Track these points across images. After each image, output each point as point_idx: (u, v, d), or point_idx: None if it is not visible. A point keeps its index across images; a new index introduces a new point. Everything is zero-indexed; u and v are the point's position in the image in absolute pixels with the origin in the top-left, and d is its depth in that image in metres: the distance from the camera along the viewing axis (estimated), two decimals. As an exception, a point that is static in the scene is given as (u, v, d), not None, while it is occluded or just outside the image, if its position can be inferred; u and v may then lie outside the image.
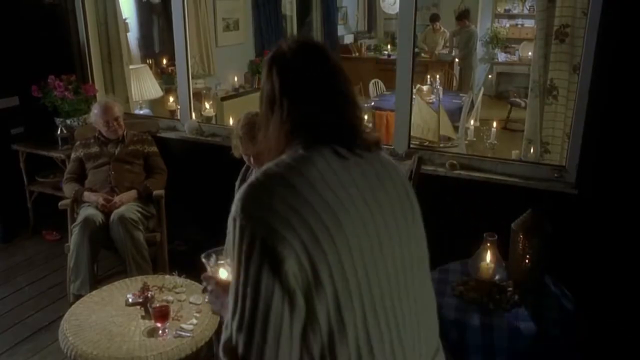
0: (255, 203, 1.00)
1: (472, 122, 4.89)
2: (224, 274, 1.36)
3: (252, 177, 1.06)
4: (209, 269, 1.38)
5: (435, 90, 5.97)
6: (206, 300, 1.69)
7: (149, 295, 2.35)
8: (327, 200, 1.01)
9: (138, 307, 2.32)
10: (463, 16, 7.56)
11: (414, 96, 3.42)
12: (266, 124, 1.13)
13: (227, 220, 1.03)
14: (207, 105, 4.19)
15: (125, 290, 2.44)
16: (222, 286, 1.25)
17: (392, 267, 1.08)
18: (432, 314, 1.21)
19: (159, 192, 3.31)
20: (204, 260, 1.39)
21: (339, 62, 1.15)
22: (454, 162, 2.95)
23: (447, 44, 7.97)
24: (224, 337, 1.01)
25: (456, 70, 7.69)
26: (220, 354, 1.01)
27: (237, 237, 0.98)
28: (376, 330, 1.03)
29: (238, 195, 1.02)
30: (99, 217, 3.05)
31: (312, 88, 1.11)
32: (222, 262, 1.38)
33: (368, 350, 1.01)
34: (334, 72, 1.14)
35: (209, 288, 1.29)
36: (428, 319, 1.18)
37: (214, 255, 1.40)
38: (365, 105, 4.79)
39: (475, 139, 4.29)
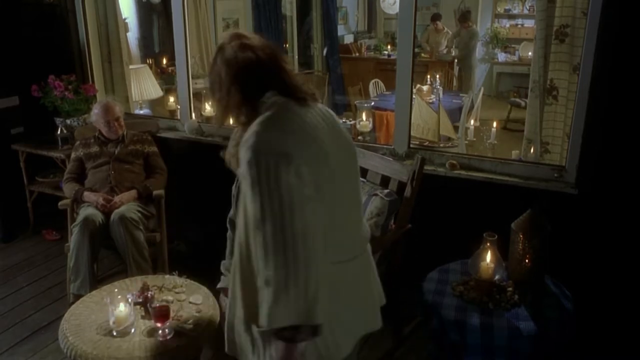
0: (267, 145, 1.34)
1: (472, 122, 4.88)
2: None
3: (252, 130, 1.38)
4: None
5: (435, 90, 5.97)
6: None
7: (148, 295, 2.35)
8: (312, 134, 1.42)
9: (138, 307, 2.32)
10: (466, 18, 7.55)
11: (414, 96, 3.43)
12: (230, 102, 1.52)
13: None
14: (207, 105, 4.19)
15: (125, 290, 2.44)
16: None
17: (347, 179, 1.54)
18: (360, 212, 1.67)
19: (159, 192, 3.31)
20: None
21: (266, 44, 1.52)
22: (454, 162, 2.95)
23: (448, 44, 7.97)
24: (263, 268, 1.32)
25: (456, 70, 7.69)
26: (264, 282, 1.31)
27: (264, 170, 1.30)
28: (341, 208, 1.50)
29: (249, 146, 1.34)
30: (99, 216, 3.05)
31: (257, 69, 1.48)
32: None
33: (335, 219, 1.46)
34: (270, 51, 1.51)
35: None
36: (359, 212, 1.65)
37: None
38: (365, 105, 4.79)
39: (475, 139, 4.29)
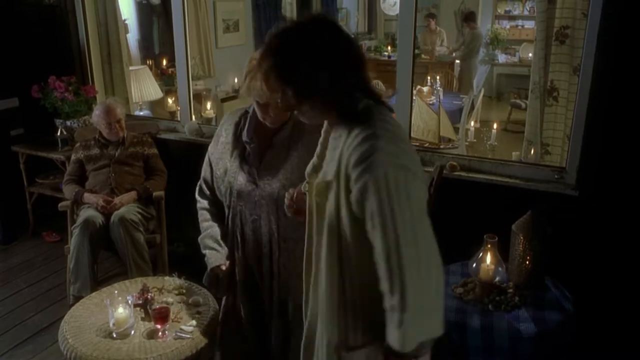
0: (393, 159, 1.22)
1: (472, 123, 4.88)
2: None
3: (369, 144, 1.22)
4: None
5: (435, 92, 5.97)
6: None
7: (148, 296, 2.35)
8: (411, 144, 1.35)
9: (138, 308, 2.31)
10: (469, 18, 7.55)
11: (414, 97, 3.42)
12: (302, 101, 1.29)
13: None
14: (207, 107, 4.19)
15: (125, 291, 2.43)
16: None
17: None
18: None
19: (158, 193, 3.31)
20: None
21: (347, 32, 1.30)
22: (455, 163, 2.94)
23: (445, 44, 7.97)
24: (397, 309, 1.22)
25: (456, 71, 7.69)
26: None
27: (394, 187, 1.20)
28: None
29: (373, 162, 1.21)
30: (99, 218, 3.05)
31: (339, 60, 1.25)
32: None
33: None
34: (352, 41, 1.30)
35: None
36: None
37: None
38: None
39: (475, 140, 4.28)
